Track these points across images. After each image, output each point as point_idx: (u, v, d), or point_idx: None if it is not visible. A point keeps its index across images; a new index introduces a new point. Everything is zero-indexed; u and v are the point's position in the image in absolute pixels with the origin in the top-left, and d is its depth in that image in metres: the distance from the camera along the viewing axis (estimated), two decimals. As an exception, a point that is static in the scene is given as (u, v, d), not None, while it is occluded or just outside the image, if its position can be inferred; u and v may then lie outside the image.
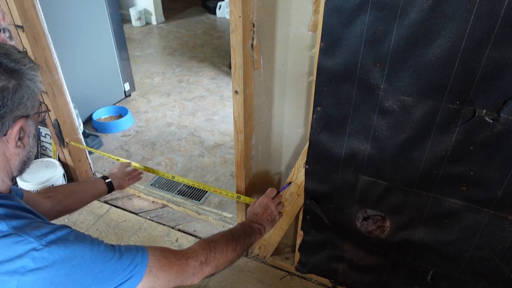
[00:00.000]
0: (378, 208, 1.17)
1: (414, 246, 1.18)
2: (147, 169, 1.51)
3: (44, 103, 0.76)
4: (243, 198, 1.38)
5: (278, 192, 1.27)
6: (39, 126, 1.96)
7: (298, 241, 1.43)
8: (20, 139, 0.69)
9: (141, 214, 1.90)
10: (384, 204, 1.14)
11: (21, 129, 0.68)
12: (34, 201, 1.03)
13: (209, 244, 0.91)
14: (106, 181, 1.30)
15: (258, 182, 1.49)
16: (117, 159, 1.63)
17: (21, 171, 0.75)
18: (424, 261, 1.20)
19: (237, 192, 1.45)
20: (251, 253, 1.64)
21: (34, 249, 0.62)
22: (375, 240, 1.24)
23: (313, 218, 1.32)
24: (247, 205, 1.48)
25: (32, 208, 0.75)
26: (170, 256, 0.81)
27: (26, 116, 0.68)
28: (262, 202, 1.20)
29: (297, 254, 1.47)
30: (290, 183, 1.31)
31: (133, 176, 1.43)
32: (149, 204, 1.96)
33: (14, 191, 0.84)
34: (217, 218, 1.83)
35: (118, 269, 0.70)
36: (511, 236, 1.00)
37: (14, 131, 0.66)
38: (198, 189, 2.05)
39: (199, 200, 1.97)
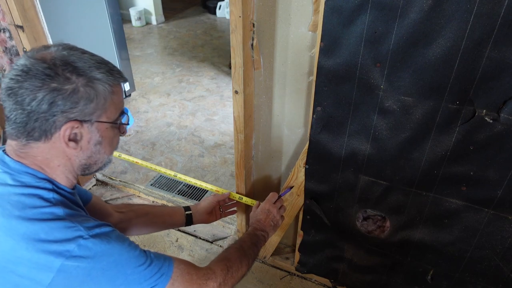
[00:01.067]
0: (378, 208, 1.17)
1: (414, 246, 1.18)
2: (246, 200, 1.39)
3: (126, 114, 0.78)
4: (245, 199, 1.39)
5: (279, 197, 1.27)
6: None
7: (298, 241, 1.43)
8: (74, 141, 0.70)
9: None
10: (384, 204, 1.14)
11: (77, 131, 0.69)
12: (103, 209, 1.04)
13: (226, 264, 0.93)
14: (186, 212, 1.23)
15: (258, 182, 1.49)
16: (205, 187, 1.47)
17: (84, 172, 0.78)
18: (424, 261, 1.20)
19: (237, 192, 1.45)
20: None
21: (82, 237, 0.66)
22: (375, 240, 1.24)
23: (313, 218, 1.32)
24: (247, 206, 1.48)
25: (99, 215, 0.77)
26: (193, 273, 0.83)
27: (83, 121, 0.69)
28: (264, 208, 1.20)
29: (297, 254, 1.47)
30: (291, 187, 1.30)
31: (228, 208, 1.37)
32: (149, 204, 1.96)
33: (81, 193, 0.90)
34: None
35: (146, 275, 0.73)
36: (511, 236, 1.00)
37: (62, 131, 0.68)
38: (198, 189, 2.05)
39: (199, 200, 1.96)
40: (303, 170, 1.22)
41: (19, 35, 1.52)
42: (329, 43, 0.93)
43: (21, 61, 0.67)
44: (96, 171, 0.81)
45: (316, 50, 0.97)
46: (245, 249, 1.02)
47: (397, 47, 0.86)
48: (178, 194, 2.02)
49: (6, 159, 0.71)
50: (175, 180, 2.12)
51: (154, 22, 4.96)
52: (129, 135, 2.59)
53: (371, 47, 0.89)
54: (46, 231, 0.65)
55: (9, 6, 1.44)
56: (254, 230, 1.12)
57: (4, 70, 1.79)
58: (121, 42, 2.81)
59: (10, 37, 1.63)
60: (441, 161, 0.97)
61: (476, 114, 0.87)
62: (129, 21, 4.89)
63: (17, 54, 1.67)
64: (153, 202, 1.96)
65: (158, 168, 1.50)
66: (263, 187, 1.50)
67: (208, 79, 3.44)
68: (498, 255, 1.05)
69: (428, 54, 0.84)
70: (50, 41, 1.60)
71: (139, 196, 2.00)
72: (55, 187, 0.72)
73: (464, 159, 0.94)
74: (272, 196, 1.25)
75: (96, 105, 0.69)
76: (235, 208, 1.41)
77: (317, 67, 0.99)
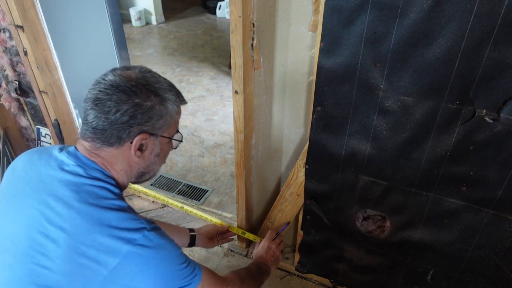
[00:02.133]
0: (378, 208, 1.17)
1: (414, 246, 1.18)
2: (249, 236, 1.54)
3: (179, 132, 0.88)
4: (248, 234, 1.54)
5: (278, 233, 1.41)
6: (39, 126, 1.96)
7: (298, 241, 1.43)
8: (140, 150, 0.80)
9: (141, 214, 1.89)
10: (384, 204, 1.14)
11: (144, 142, 0.79)
12: None
13: (241, 277, 1.08)
14: (191, 233, 1.33)
15: (258, 182, 1.49)
16: (210, 220, 1.65)
17: (137, 180, 0.88)
18: (424, 261, 1.20)
19: (237, 192, 1.45)
20: (251, 253, 1.64)
21: (145, 229, 0.75)
22: (375, 240, 1.24)
23: (313, 218, 1.32)
24: (247, 208, 1.48)
25: None
26: (216, 279, 0.95)
27: (152, 134, 0.80)
28: (265, 245, 1.34)
29: (297, 254, 1.47)
30: (288, 223, 1.43)
31: (225, 237, 1.50)
32: (149, 204, 1.96)
33: None
34: (217, 218, 1.82)
35: (184, 274, 0.82)
36: (511, 236, 1.00)
37: (135, 141, 0.78)
38: (198, 189, 2.05)
39: (199, 200, 1.96)
40: (303, 170, 1.22)
41: (19, 35, 1.52)
42: (329, 43, 0.93)
43: (110, 77, 0.77)
44: (145, 180, 0.91)
45: (316, 50, 0.97)
46: (253, 273, 1.16)
47: (397, 47, 0.86)
48: (178, 194, 2.02)
49: (79, 154, 0.80)
50: (175, 180, 2.12)
51: (154, 22, 4.96)
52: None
53: (371, 47, 0.89)
54: (117, 220, 0.73)
55: (9, 6, 1.44)
56: (258, 263, 1.24)
57: (4, 70, 1.79)
58: (121, 42, 2.81)
59: (10, 37, 1.63)
60: (441, 161, 0.97)
61: (476, 114, 0.87)
62: (129, 21, 4.89)
63: (17, 54, 1.67)
64: (153, 202, 1.97)
65: (166, 199, 1.63)
66: (263, 187, 1.50)
67: (208, 79, 3.43)
68: (498, 255, 1.05)
69: (428, 54, 0.84)
70: (50, 41, 1.60)
71: (139, 196, 2.00)
72: (117, 185, 0.82)
73: (464, 159, 0.94)
74: (271, 233, 1.39)
75: (164, 121, 0.81)
76: (232, 237, 1.56)
77: (317, 67, 0.99)
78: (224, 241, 1.51)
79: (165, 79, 0.83)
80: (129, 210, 0.78)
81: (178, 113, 0.84)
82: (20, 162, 0.83)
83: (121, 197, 0.80)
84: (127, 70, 0.79)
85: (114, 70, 0.79)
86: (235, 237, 1.65)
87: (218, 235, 1.47)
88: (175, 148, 0.90)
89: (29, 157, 0.83)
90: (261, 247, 1.34)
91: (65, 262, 0.70)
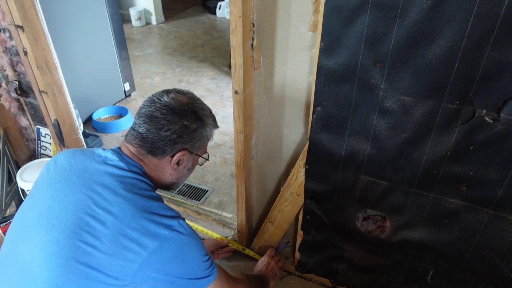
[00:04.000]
0: (378, 208, 1.17)
1: (414, 246, 1.18)
2: (249, 252, 1.60)
3: (207, 152, 1.01)
4: (248, 251, 1.59)
5: (278, 251, 1.51)
6: (39, 126, 1.96)
7: (298, 241, 1.43)
8: (177, 164, 0.93)
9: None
10: (384, 204, 1.14)
11: (182, 158, 0.92)
12: None
13: (249, 279, 1.19)
14: None
15: (258, 182, 1.49)
16: (211, 235, 1.70)
17: (166, 188, 0.99)
18: (424, 261, 1.20)
19: (237, 192, 1.45)
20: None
21: (179, 217, 0.85)
22: (375, 240, 1.24)
23: (313, 218, 1.32)
24: (247, 208, 1.48)
25: None
26: (230, 276, 1.05)
27: (190, 152, 0.93)
28: (264, 261, 1.43)
29: (297, 254, 1.47)
30: (287, 242, 1.52)
31: (225, 251, 1.58)
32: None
33: None
34: (217, 218, 1.83)
35: (206, 265, 0.90)
36: (511, 236, 1.00)
37: (176, 156, 0.91)
38: (198, 189, 2.05)
39: (199, 200, 1.96)
40: (303, 170, 1.22)
41: (19, 35, 1.52)
42: (329, 43, 0.93)
43: (165, 98, 0.89)
44: (172, 189, 1.05)
45: (316, 50, 0.97)
46: (257, 281, 1.27)
47: (397, 47, 0.86)
48: (178, 194, 2.02)
49: (122, 154, 0.90)
50: (175, 180, 2.12)
51: (154, 22, 4.96)
52: (129, 135, 2.59)
53: (371, 47, 0.89)
54: (157, 208, 0.83)
55: (9, 6, 1.44)
56: (259, 275, 1.34)
57: (4, 70, 1.79)
58: (121, 42, 2.81)
59: (10, 37, 1.64)
60: (441, 161, 0.97)
61: (476, 114, 0.87)
62: (129, 21, 4.89)
63: (17, 54, 1.67)
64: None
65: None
66: (263, 187, 1.50)
67: (208, 79, 3.43)
68: (498, 255, 1.05)
69: (428, 54, 0.84)
70: (50, 41, 1.60)
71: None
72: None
73: (464, 159, 0.94)
74: (271, 251, 1.48)
75: (201, 142, 0.95)
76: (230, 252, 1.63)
77: (317, 67, 0.99)
78: (224, 255, 1.59)
79: (207, 105, 0.97)
80: (163, 201, 0.88)
81: (211, 136, 0.99)
82: (62, 157, 0.91)
83: (155, 191, 0.91)
84: (179, 94, 0.92)
85: (167, 92, 0.92)
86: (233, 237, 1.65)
87: (218, 249, 1.56)
88: (200, 165, 1.03)
89: (71, 153, 0.92)
90: (260, 262, 1.44)
91: (111, 242, 0.77)
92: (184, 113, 0.88)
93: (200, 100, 0.96)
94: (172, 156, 0.90)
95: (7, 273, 0.82)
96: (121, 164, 0.87)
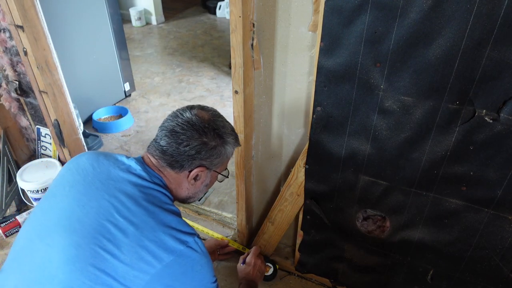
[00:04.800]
0: (378, 208, 1.17)
1: (414, 246, 1.18)
2: (245, 250, 1.59)
3: (227, 169, 1.03)
4: (248, 250, 1.53)
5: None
6: (39, 126, 1.96)
7: (298, 241, 1.43)
8: (194, 179, 0.94)
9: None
10: (384, 204, 1.14)
11: (200, 174, 0.93)
12: None
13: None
14: None
15: (258, 182, 1.49)
16: (212, 235, 1.69)
17: (182, 201, 1.01)
18: (424, 261, 1.20)
19: (237, 192, 1.45)
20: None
21: (195, 235, 0.86)
22: (375, 240, 1.24)
23: (313, 218, 1.32)
24: (247, 208, 1.48)
25: None
26: None
27: (208, 168, 0.94)
28: (250, 262, 1.40)
29: (297, 254, 1.47)
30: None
31: (225, 251, 1.58)
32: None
33: None
34: (217, 218, 1.83)
35: (212, 286, 0.91)
36: (511, 236, 1.00)
37: (193, 171, 0.92)
38: (198, 189, 2.05)
39: (199, 200, 1.96)
40: (303, 170, 1.22)
41: (19, 35, 1.52)
42: (329, 43, 0.93)
43: (187, 114, 0.90)
44: (188, 203, 1.05)
45: (316, 50, 0.97)
46: None
47: (397, 47, 0.86)
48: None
49: (144, 163, 0.93)
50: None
51: (154, 22, 4.95)
52: (129, 135, 2.59)
53: (371, 47, 0.89)
54: (176, 223, 0.84)
55: (9, 6, 1.44)
56: (247, 282, 1.31)
57: (4, 70, 1.79)
58: (121, 42, 2.81)
59: (10, 37, 1.64)
60: (441, 161, 0.97)
61: (476, 114, 0.87)
62: (129, 21, 4.88)
63: (17, 54, 1.67)
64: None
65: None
66: (263, 187, 1.50)
67: (208, 79, 3.43)
68: (498, 255, 1.05)
69: (428, 54, 0.84)
70: (50, 41, 1.60)
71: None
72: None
73: (464, 159, 0.94)
74: (256, 249, 1.46)
75: (221, 159, 0.95)
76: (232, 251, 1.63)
77: (317, 67, 0.99)
78: (225, 256, 1.59)
79: (229, 123, 0.98)
80: (181, 216, 0.89)
81: (232, 154, 0.99)
82: (84, 159, 0.92)
83: (174, 205, 0.92)
84: (202, 110, 0.93)
85: (191, 108, 0.92)
86: (232, 236, 1.65)
87: (218, 249, 1.56)
88: (220, 181, 1.04)
89: (94, 156, 0.93)
90: (247, 264, 1.40)
91: (130, 252, 0.77)
92: (204, 130, 0.89)
93: (223, 117, 0.97)
94: (190, 171, 0.92)
95: (21, 269, 0.82)
96: (144, 174, 0.89)
